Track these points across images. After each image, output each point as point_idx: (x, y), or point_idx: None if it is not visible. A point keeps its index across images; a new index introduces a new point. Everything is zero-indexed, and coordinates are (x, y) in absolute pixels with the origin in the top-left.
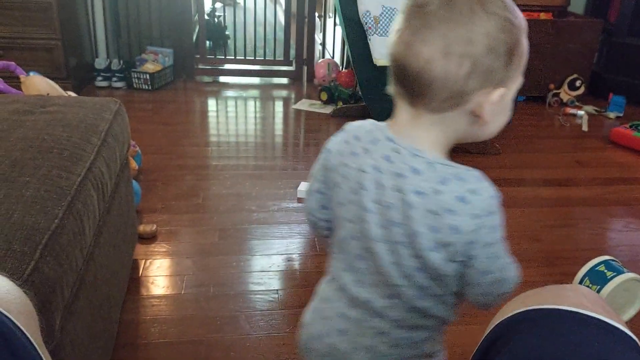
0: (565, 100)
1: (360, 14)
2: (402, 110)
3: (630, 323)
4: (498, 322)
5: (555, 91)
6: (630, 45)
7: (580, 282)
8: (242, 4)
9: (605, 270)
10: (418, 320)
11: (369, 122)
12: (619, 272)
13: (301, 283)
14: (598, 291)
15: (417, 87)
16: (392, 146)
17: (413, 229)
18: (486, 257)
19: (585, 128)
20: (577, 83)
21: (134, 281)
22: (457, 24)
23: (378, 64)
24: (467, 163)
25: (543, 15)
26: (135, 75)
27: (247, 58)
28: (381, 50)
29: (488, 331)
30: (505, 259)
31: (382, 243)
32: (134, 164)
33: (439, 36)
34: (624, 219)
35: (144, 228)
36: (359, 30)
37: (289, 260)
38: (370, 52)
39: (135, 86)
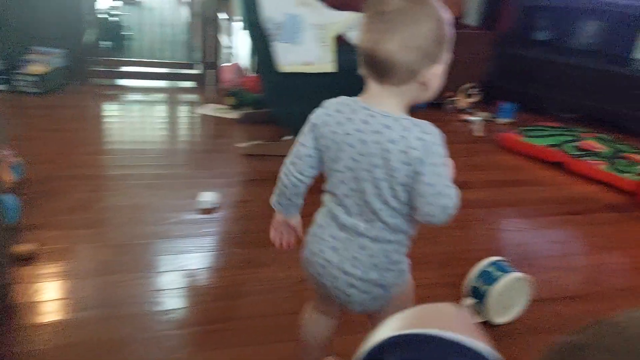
0: (462, 107)
1: (262, 20)
2: (372, 86)
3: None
4: (370, 346)
5: (452, 98)
6: (518, 55)
7: (472, 283)
8: (145, 3)
9: (495, 271)
10: (389, 235)
11: (345, 98)
12: (507, 272)
13: (201, 300)
14: (486, 291)
15: (384, 70)
16: (368, 112)
17: (391, 167)
18: (432, 173)
19: (479, 133)
20: (472, 91)
21: (7, 310)
22: (408, 27)
23: (282, 70)
24: None
25: None
26: (21, 78)
27: (148, 60)
28: (286, 57)
29: (362, 354)
30: (446, 180)
31: (367, 182)
32: (8, 176)
33: (398, 35)
34: (513, 219)
35: (20, 248)
36: (263, 35)
37: (188, 277)
38: (275, 57)
39: (21, 89)
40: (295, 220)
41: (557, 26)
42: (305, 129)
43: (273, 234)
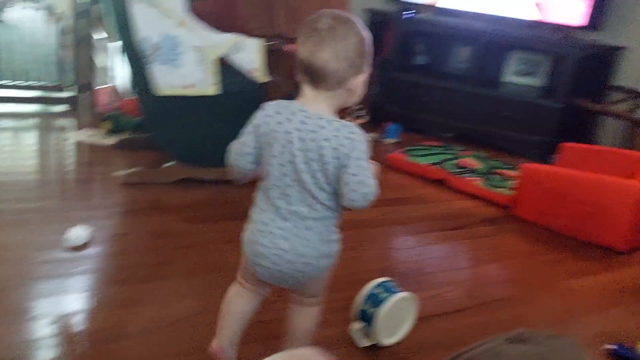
0: None
1: (137, 41)
2: (307, 91)
3: None
4: None
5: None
6: (400, 79)
7: (360, 307)
8: (10, 20)
9: (381, 293)
10: (327, 213)
11: (282, 101)
12: (393, 293)
13: (76, 348)
14: (374, 314)
15: (318, 77)
16: (305, 114)
17: (325, 160)
18: (356, 166)
19: None
20: (361, 112)
21: None
22: (338, 42)
23: (161, 94)
24: None
25: None
26: None
27: (16, 83)
28: (165, 79)
29: None
30: (368, 173)
31: (306, 173)
32: None
33: (330, 48)
34: (401, 237)
35: None
36: (140, 57)
37: (61, 322)
38: (153, 80)
39: None
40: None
41: (434, 52)
42: (247, 129)
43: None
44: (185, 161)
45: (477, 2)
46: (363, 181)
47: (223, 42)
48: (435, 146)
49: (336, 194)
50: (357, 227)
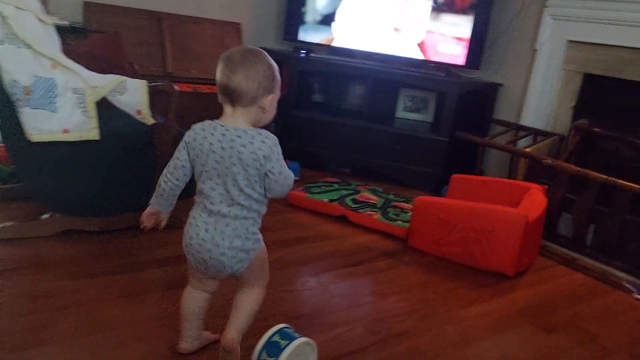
0: None
1: (5, 83)
2: (227, 110)
3: None
4: None
5: None
6: (299, 116)
7: (259, 356)
8: None
9: (280, 340)
10: (246, 213)
11: (207, 121)
12: (292, 339)
13: None
14: None
15: (234, 96)
16: (224, 129)
17: (245, 163)
18: (276, 165)
19: None
20: None
21: None
22: (249, 68)
23: (33, 140)
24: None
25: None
26: None
27: None
28: (38, 125)
29: None
30: (286, 168)
31: (228, 177)
32: None
33: (242, 73)
34: (303, 277)
35: None
36: (7, 100)
37: None
38: (24, 126)
39: None
40: (166, 215)
41: (330, 90)
42: (180, 146)
43: (145, 220)
44: (65, 212)
45: (368, 42)
46: (287, 175)
47: (104, 83)
48: (334, 182)
49: (254, 197)
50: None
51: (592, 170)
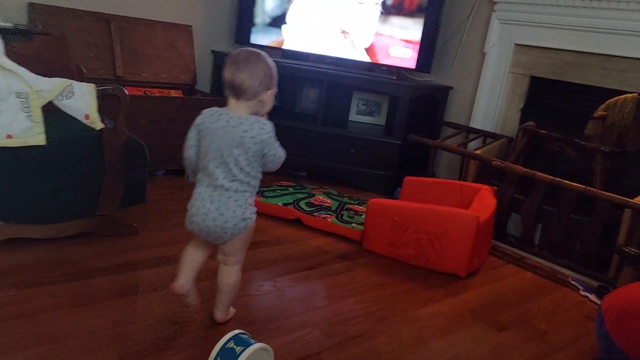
0: None
1: None
2: (231, 102)
3: None
4: None
5: None
6: None
7: None
8: None
9: (235, 346)
10: (245, 187)
11: (215, 108)
12: (247, 345)
13: None
14: None
15: (238, 91)
16: (228, 116)
17: (246, 147)
18: (271, 147)
19: None
20: None
21: None
22: (251, 68)
23: None
24: (104, 246)
25: (173, 93)
26: None
27: None
28: None
29: None
30: (278, 149)
31: (230, 157)
32: None
33: (246, 71)
34: (258, 282)
35: None
36: None
37: None
38: None
39: None
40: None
41: (284, 93)
42: (191, 129)
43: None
44: (11, 219)
45: (319, 45)
46: (279, 155)
47: (50, 87)
48: (289, 186)
49: (251, 175)
50: (214, 276)
51: (539, 171)
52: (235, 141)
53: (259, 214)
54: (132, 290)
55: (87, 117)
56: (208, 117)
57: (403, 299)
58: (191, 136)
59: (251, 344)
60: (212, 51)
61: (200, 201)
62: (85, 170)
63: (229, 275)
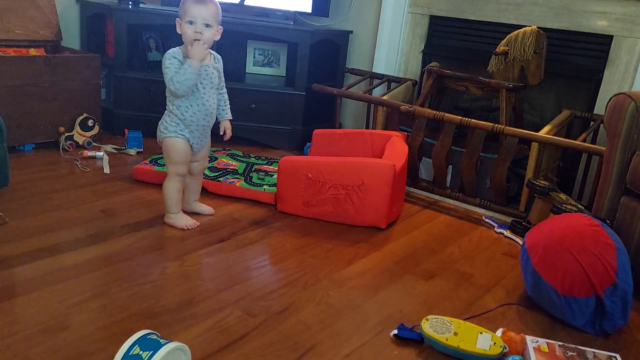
0: (81, 143)
1: None
2: None
3: None
4: None
5: (67, 134)
6: (131, 79)
7: None
8: None
9: (141, 352)
10: (168, 106)
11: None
12: (156, 348)
13: None
14: None
15: None
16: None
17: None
18: (164, 72)
19: (107, 170)
20: (90, 122)
21: None
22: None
23: None
24: None
25: (34, 51)
26: None
27: None
28: None
29: None
30: (171, 73)
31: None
32: None
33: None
34: (161, 264)
35: None
36: None
37: None
38: None
39: None
40: (224, 124)
41: (168, 45)
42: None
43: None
44: None
45: None
46: (167, 82)
47: None
48: None
49: (169, 99)
50: (106, 264)
51: (443, 112)
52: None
53: (153, 185)
54: (5, 293)
55: None
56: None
57: (326, 260)
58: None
59: (161, 346)
60: (80, 1)
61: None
62: None
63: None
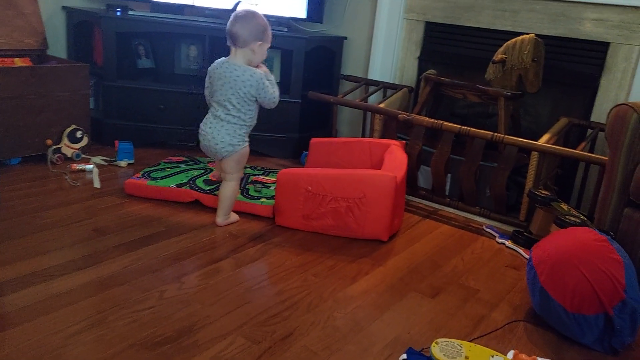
0: (69, 155)
1: None
2: (232, 50)
3: None
4: None
5: (55, 146)
6: (123, 87)
7: None
8: None
9: None
10: (234, 120)
11: (222, 58)
12: None
13: None
14: None
15: (234, 40)
16: (229, 63)
17: (237, 89)
18: (263, 91)
19: (97, 184)
20: (78, 134)
21: None
22: (245, 24)
23: None
24: None
25: (19, 61)
26: None
27: None
28: None
29: None
30: (273, 89)
31: (226, 96)
32: None
33: (239, 24)
34: (158, 288)
35: None
36: None
37: None
38: None
39: None
40: None
41: (158, 53)
42: (207, 76)
43: None
44: None
45: None
46: (274, 97)
47: None
48: (180, 162)
49: (241, 111)
50: (101, 289)
51: (440, 120)
52: (231, 83)
53: (147, 200)
54: None
55: None
56: (215, 64)
57: (329, 278)
58: (206, 80)
59: None
60: (64, 7)
61: (204, 124)
62: None
63: (225, 187)
